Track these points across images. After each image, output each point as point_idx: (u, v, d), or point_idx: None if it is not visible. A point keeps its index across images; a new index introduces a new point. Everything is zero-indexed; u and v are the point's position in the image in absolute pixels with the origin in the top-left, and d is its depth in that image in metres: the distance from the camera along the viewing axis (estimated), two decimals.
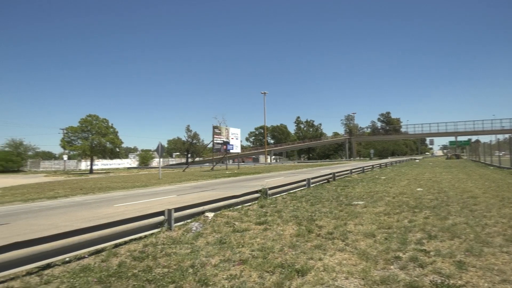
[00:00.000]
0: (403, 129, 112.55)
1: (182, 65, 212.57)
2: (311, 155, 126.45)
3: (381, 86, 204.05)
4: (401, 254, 5.29)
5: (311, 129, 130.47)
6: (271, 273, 4.67)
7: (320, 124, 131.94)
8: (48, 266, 5.09)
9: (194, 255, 5.56)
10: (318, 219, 8.13)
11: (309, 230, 6.99)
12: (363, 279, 4.37)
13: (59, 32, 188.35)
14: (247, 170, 42.82)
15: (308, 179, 16.00)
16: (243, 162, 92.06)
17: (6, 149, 62.76)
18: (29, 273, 4.84)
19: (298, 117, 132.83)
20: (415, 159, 68.83)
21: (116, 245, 6.20)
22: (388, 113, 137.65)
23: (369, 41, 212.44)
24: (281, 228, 7.39)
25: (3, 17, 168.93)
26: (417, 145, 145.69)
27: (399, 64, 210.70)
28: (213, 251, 5.81)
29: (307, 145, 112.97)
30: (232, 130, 53.87)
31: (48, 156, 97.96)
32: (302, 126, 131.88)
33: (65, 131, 52.88)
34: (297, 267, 4.82)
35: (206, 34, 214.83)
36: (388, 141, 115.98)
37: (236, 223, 8.00)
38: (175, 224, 7.50)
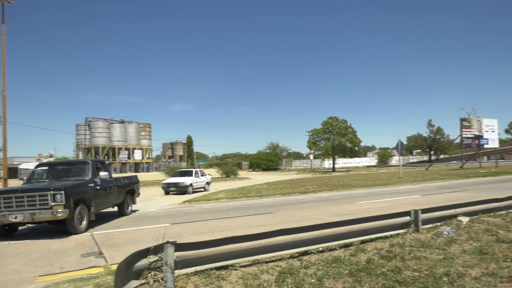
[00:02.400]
0: None
1: (422, 52, 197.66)
2: None
3: None
4: None
5: None
6: None
7: None
8: (305, 252, 5.79)
9: (448, 263, 5.05)
10: None
11: None
12: None
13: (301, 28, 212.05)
14: (509, 169, 35.36)
15: None
16: (502, 159, 76.45)
17: (267, 151, 76.07)
18: (291, 256, 5.65)
19: None
20: None
21: (363, 241, 6.39)
22: None
23: None
24: None
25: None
26: None
27: None
28: (472, 261, 5.11)
29: None
30: (486, 121, 45.77)
31: (298, 156, 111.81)
32: None
33: (310, 134, 59.08)
34: None
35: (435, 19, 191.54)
36: None
37: (500, 231, 6.75)
38: (423, 227, 7.04)
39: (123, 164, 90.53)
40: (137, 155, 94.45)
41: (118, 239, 8.29)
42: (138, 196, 14.23)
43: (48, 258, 6.67)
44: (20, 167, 71.92)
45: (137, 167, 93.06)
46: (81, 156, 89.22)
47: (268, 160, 70.87)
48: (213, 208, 13.94)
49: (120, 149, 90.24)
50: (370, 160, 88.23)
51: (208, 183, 25.06)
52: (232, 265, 5.05)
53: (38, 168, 11.26)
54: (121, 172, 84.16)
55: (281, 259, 5.51)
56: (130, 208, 13.09)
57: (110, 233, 9.24)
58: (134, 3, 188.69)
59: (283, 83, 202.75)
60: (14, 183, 19.92)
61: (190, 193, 21.32)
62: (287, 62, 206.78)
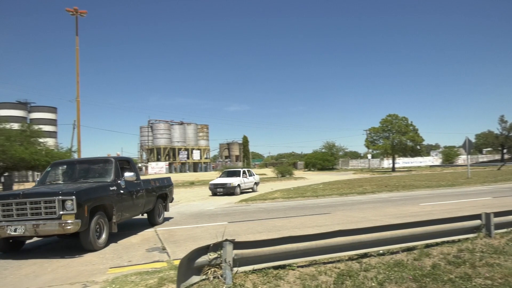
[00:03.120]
0: None
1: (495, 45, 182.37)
2: None
3: None
4: None
5: None
6: None
7: None
8: (365, 255, 5.61)
9: None
10: None
11: None
12: None
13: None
14: None
15: None
16: None
17: (323, 150, 74.89)
18: (350, 258, 5.51)
19: None
20: None
21: (427, 245, 6.05)
22: None
23: None
24: None
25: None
26: None
27: None
28: None
29: None
30: None
31: (355, 155, 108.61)
32: None
33: (368, 132, 57.12)
34: None
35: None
36: None
37: None
38: (496, 231, 6.49)
39: (183, 164, 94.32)
40: (196, 155, 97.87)
41: (179, 236, 8.66)
42: (171, 202, 12.38)
43: (117, 252, 7.16)
44: None
45: (195, 166, 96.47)
46: (145, 157, 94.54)
47: (324, 160, 69.71)
48: (269, 208, 14.03)
49: (179, 149, 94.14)
50: (433, 159, 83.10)
51: (256, 184, 24.04)
52: (289, 265, 5.04)
53: (54, 167, 9.23)
54: (181, 171, 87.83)
55: (339, 260, 5.40)
56: (162, 216, 11.04)
57: (171, 229, 9.68)
58: (192, 4, 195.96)
59: (340, 82, 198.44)
60: None
61: (237, 194, 20.44)
62: (344, 60, 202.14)
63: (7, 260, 6.76)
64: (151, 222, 10.55)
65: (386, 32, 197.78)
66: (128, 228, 9.90)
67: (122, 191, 8.49)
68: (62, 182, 8.60)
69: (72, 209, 6.68)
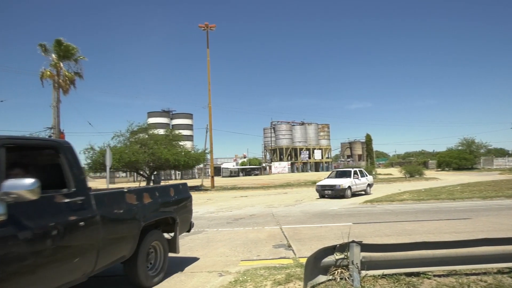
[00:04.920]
0: None
1: None
2: None
3: None
4: None
5: None
6: None
7: None
8: None
9: None
10: None
11: None
12: None
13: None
14: None
15: None
16: None
17: (459, 147, 66.66)
18: (500, 271, 4.79)
19: None
20: None
21: None
22: None
23: None
24: None
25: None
26: None
27: None
28: None
29: None
30: None
31: (501, 153, 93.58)
32: None
33: None
34: None
35: None
36: None
37: None
38: None
39: (304, 163, 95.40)
40: (317, 155, 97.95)
41: (304, 234, 8.80)
42: (189, 231, 6.45)
43: (247, 246, 7.65)
44: (222, 166, 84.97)
45: (317, 166, 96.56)
46: (268, 157, 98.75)
47: (461, 158, 61.86)
48: (397, 210, 13.14)
49: (301, 149, 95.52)
50: None
51: (369, 186, 21.61)
52: (424, 273, 4.65)
53: None
54: (302, 171, 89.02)
55: (485, 273, 4.75)
56: (158, 272, 5.18)
57: (296, 228, 9.89)
58: (315, 3, 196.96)
59: (477, 70, 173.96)
60: (218, 179, 23.51)
61: (348, 197, 18.52)
62: (480, 49, 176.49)
63: None
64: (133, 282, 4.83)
65: None
66: (255, 225, 10.51)
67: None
68: None
69: None
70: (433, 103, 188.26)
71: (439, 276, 4.68)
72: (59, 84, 27.08)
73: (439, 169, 64.28)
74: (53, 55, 26.93)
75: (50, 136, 28.78)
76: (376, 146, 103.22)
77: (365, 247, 4.49)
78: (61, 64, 27.22)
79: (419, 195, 17.94)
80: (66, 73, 27.31)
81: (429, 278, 4.58)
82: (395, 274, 4.58)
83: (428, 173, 45.60)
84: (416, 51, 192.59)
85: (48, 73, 26.68)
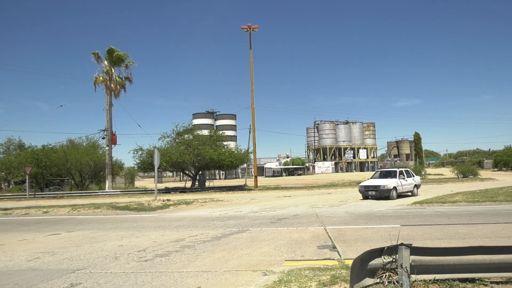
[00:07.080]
0: None
1: None
2: None
3: None
4: None
5: None
6: None
7: None
8: None
9: None
10: None
11: None
12: None
13: None
14: None
15: None
16: None
17: None
18: None
19: None
20: None
21: None
22: None
23: None
24: None
25: None
26: None
27: None
28: None
29: None
30: None
31: None
32: None
33: None
34: None
35: None
36: None
37: None
38: None
39: (349, 163, 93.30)
40: (362, 155, 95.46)
41: (349, 235, 8.62)
42: None
43: (291, 246, 7.63)
44: (265, 166, 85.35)
45: (362, 166, 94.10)
46: (311, 157, 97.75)
47: None
48: (449, 212, 12.48)
49: (345, 149, 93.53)
50: None
51: (417, 186, 20.59)
52: (479, 279, 4.39)
53: None
54: (347, 171, 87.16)
55: None
56: None
57: (341, 229, 9.71)
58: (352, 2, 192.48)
59: None
60: (261, 179, 23.60)
61: (393, 199, 17.83)
62: None
63: (206, 244, 8.07)
64: None
65: None
66: (299, 225, 10.45)
67: None
68: None
69: None
70: (490, 99, 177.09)
71: (497, 283, 4.40)
72: (111, 89, 28.65)
73: (495, 169, 60.33)
74: (106, 62, 28.54)
75: (103, 138, 30.55)
76: (425, 145, 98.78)
77: (415, 250, 4.31)
78: (113, 70, 28.77)
79: (474, 196, 16.91)
80: (117, 78, 28.84)
81: (485, 285, 4.33)
82: (448, 279, 4.36)
83: (483, 173, 42.95)
84: (469, 44, 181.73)
85: (101, 78, 28.33)
